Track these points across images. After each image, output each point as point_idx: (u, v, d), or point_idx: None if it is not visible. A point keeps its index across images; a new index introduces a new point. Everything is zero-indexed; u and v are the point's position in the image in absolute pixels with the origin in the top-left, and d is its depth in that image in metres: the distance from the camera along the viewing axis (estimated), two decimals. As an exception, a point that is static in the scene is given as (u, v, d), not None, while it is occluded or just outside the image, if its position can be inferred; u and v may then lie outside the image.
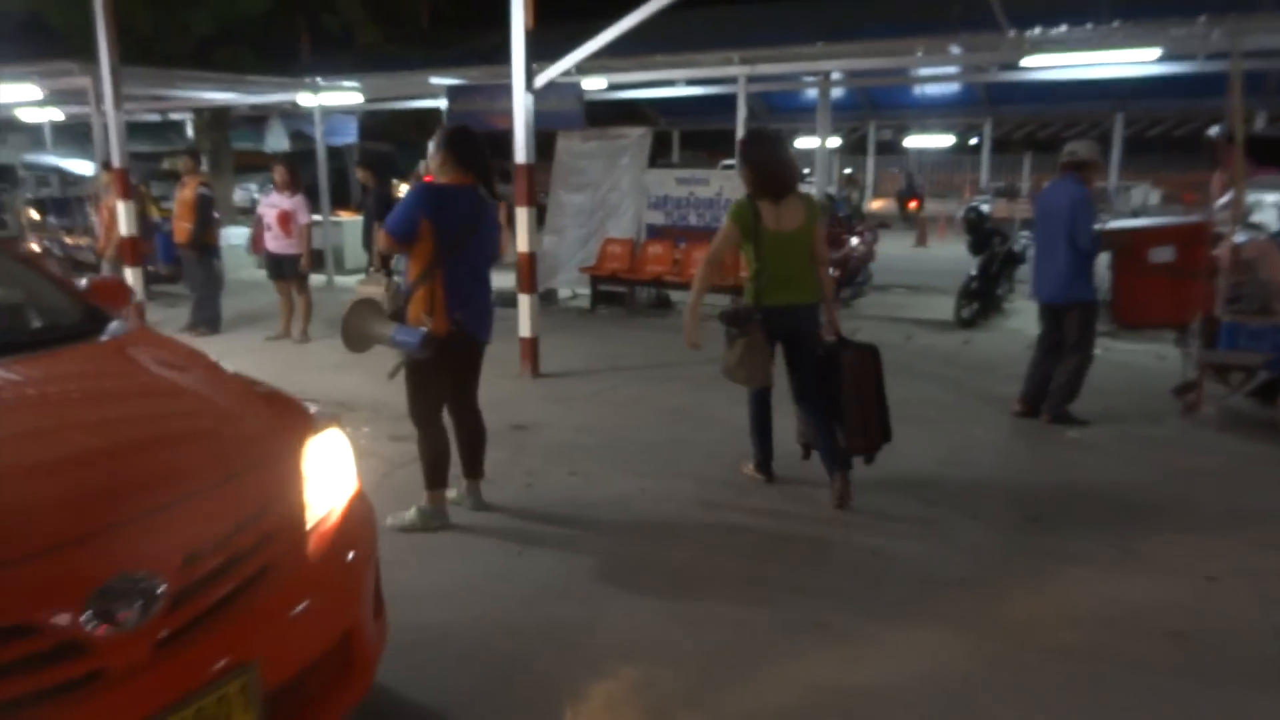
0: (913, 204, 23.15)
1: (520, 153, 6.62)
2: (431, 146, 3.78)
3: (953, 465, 4.93)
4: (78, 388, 2.34)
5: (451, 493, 4.17)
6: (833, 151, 25.98)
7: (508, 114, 9.61)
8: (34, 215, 12.24)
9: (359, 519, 2.43)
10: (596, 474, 4.75)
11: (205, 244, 8.75)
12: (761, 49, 9.89)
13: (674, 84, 14.13)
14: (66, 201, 13.13)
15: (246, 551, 1.97)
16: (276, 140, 17.95)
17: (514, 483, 4.60)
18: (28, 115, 17.56)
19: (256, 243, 8.47)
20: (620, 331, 9.06)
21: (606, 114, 14.22)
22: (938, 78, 15.11)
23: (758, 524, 4.14)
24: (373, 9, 17.93)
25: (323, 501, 2.32)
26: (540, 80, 6.55)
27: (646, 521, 4.16)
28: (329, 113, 14.48)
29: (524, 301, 6.79)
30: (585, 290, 10.44)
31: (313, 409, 2.51)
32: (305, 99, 13.46)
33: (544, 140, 7.94)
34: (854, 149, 26.41)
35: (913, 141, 27.37)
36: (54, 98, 12.44)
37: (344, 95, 13.79)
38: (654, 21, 6.24)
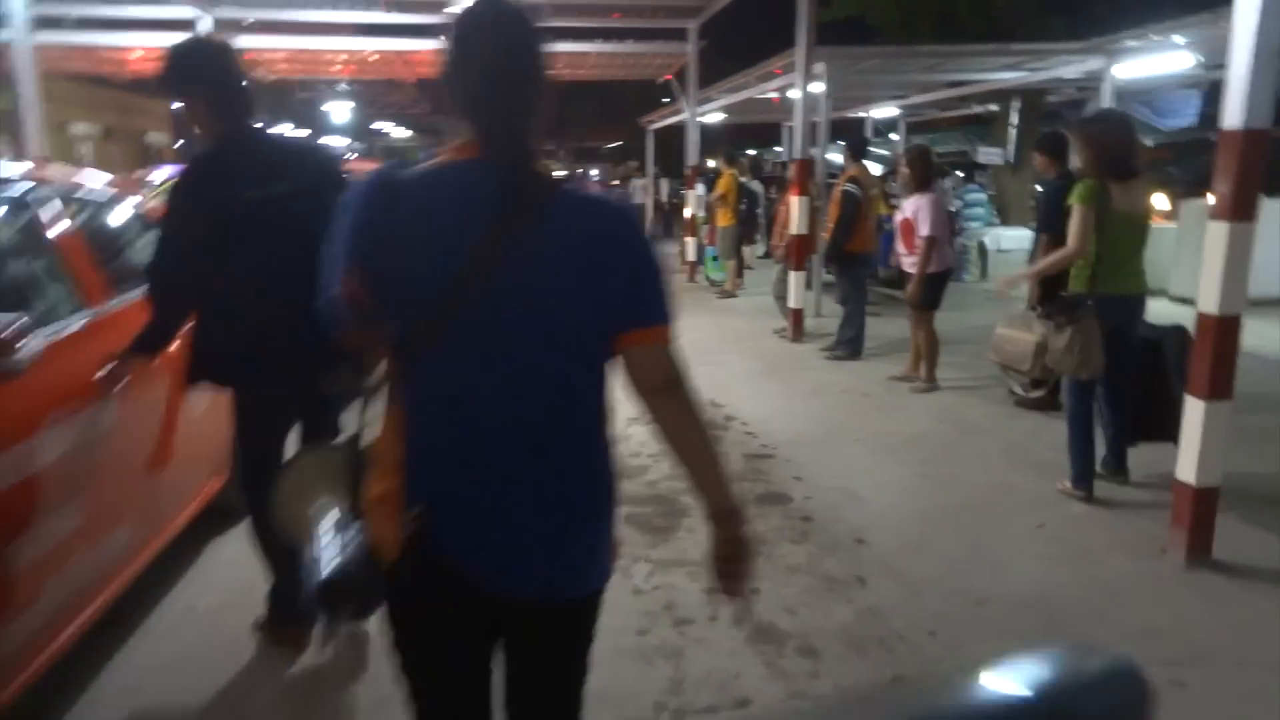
0: None
1: (1236, 112, 3.08)
2: None
3: None
4: None
5: None
6: None
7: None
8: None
9: None
10: None
11: (850, 251, 7.11)
12: None
13: None
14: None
15: None
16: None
17: None
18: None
19: (890, 255, 6.70)
20: None
21: None
22: None
23: None
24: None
25: None
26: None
27: None
28: (1124, 89, 11.00)
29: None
30: None
31: None
32: (1102, 67, 10.37)
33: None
34: None
35: None
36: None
37: (1155, 62, 10.18)
38: None
